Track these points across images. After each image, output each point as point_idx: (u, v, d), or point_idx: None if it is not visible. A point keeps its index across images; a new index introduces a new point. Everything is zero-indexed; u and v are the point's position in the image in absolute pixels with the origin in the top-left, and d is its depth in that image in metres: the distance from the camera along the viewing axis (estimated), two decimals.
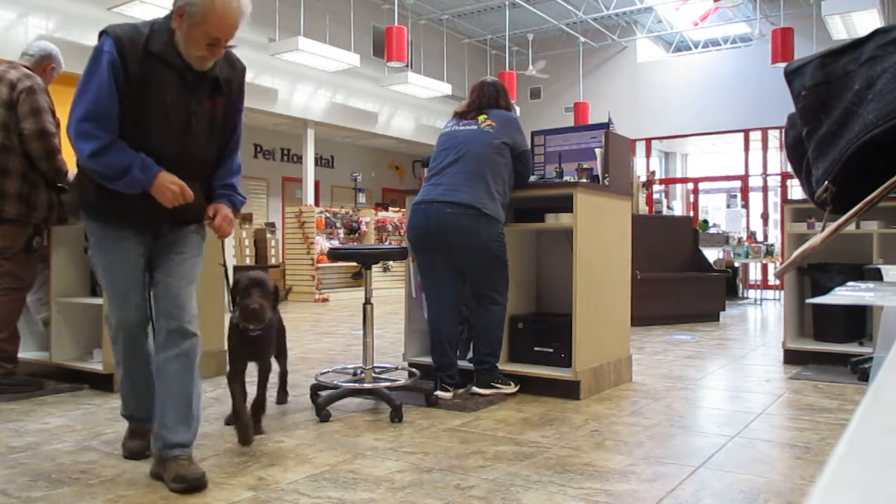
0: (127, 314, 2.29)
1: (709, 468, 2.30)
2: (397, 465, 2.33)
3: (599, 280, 3.54)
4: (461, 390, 3.40)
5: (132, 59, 2.08)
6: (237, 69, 2.36)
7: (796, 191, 11.63)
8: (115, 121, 2.09)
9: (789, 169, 5.01)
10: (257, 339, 2.53)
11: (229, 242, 8.92)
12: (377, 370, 3.40)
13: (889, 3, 10.78)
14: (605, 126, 4.09)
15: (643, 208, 7.83)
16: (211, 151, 2.31)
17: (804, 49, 10.74)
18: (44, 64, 3.59)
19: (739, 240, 10.34)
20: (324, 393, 3.09)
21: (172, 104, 2.15)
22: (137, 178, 2.10)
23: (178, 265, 2.27)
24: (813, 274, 4.46)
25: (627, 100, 14.49)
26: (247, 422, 2.49)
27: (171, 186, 2.13)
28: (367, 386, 3.13)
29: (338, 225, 10.14)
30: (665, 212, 9.60)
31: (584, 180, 3.59)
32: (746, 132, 13.81)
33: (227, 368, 2.58)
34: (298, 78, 11.43)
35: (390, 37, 10.46)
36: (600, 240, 3.55)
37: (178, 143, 2.19)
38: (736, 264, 10.24)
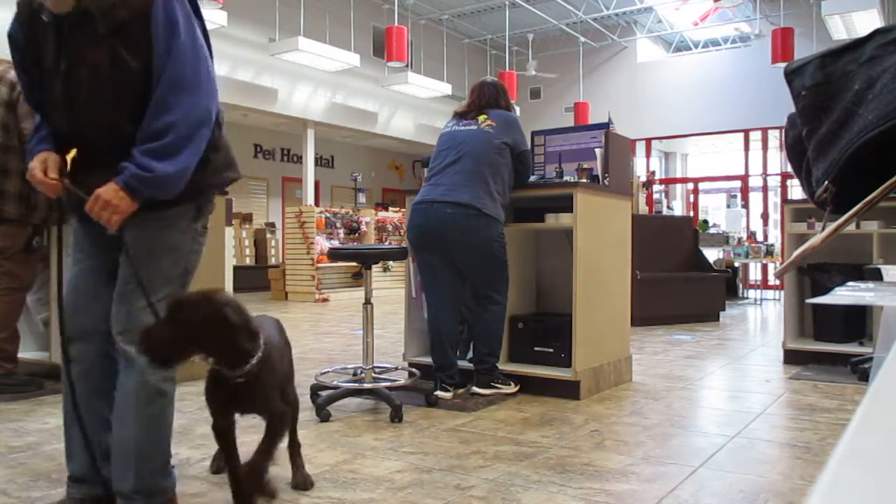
0: (72, 324, 1.85)
1: (709, 468, 2.30)
2: (397, 465, 2.33)
3: (599, 280, 3.54)
4: (461, 390, 3.40)
5: (26, 24, 1.70)
6: None
7: (796, 191, 11.63)
8: (36, 105, 1.78)
9: (789, 169, 5.00)
10: (243, 388, 1.74)
11: (229, 242, 8.90)
12: (377, 370, 3.40)
13: (889, 3, 10.78)
14: (605, 126, 4.09)
15: (643, 208, 7.82)
16: (121, 117, 1.70)
17: (804, 49, 10.73)
18: None
19: (739, 240, 10.35)
20: (324, 393, 3.09)
21: (51, 67, 1.69)
22: (28, 165, 1.72)
23: (121, 269, 1.79)
24: (813, 274, 4.46)
25: (627, 100, 14.49)
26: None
27: (31, 172, 1.71)
28: (367, 386, 3.13)
29: (338, 225, 10.14)
30: (665, 212, 9.59)
31: (584, 180, 3.59)
32: (746, 132, 13.81)
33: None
34: (298, 78, 11.42)
35: (390, 37, 10.47)
36: (600, 240, 3.55)
37: (66, 116, 1.72)
38: (736, 264, 10.24)
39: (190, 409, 3.08)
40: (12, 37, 1.71)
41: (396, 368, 3.76)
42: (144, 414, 1.76)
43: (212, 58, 1.80)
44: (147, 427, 1.77)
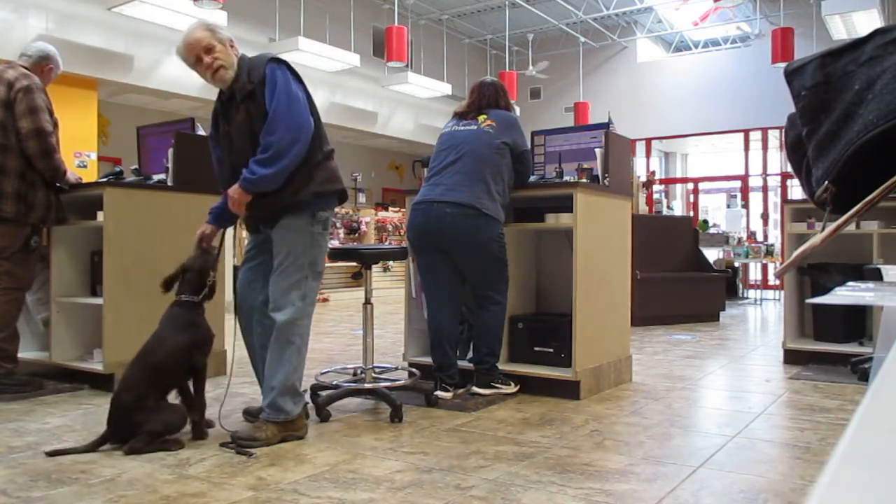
0: (240, 302, 2.86)
1: (709, 468, 2.30)
2: (397, 465, 2.33)
3: (599, 280, 3.54)
4: (461, 390, 3.40)
5: (214, 120, 2.81)
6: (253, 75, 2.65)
7: (796, 191, 11.63)
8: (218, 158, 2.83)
9: (789, 169, 5.00)
10: None
11: (229, 242, 8.90)
12: (377, 370, 3.40)
13: (889, 3, 10.78)
14: (605, 126, 4.09)
15: (643, 208, 7.82)
16: (252, 150, 2.61)
17: (804, 49, 10.73)
18: (42, 64, 3.59)
19: (739, 240, 10.34)
20: (324, 393, 3.09)
21: (222, 132, 2.75)
22: None
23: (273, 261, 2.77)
24: (813, 274, 4.46)
25: (627, 100, 14.48)
26: None
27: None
28: (367, 386, 3.13)
29: (338, 225, 10.13)
30: (665, 212, 9.59)
31: (584, 180, 3.58)
32: (746, 132, 13.80)
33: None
34: None
35: (390, 37, 10.46)
36: (600, 240, 3.55)
37: (229, 157, 2.74)
38: (736, 264, 10.24)
39: None
40: (211, 136, 2.82)
41: (396, 368, 3.76)
42: (278, 354, 2.63)
43: (310, 101, 2.70)
44: (278, 363, 2.62)
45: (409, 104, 13.59)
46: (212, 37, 2.62)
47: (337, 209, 10.47)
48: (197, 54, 2.61)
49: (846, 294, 1.33)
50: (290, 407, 2.61)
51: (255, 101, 2.60)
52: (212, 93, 2.83)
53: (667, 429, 2.83)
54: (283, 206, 2.62)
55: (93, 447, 2.45)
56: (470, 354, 3.63)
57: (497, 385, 3.39)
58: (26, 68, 3.51)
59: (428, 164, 3.57)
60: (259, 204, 2.64)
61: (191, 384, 2.64)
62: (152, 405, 2.48)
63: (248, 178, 2.56)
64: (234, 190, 2.60)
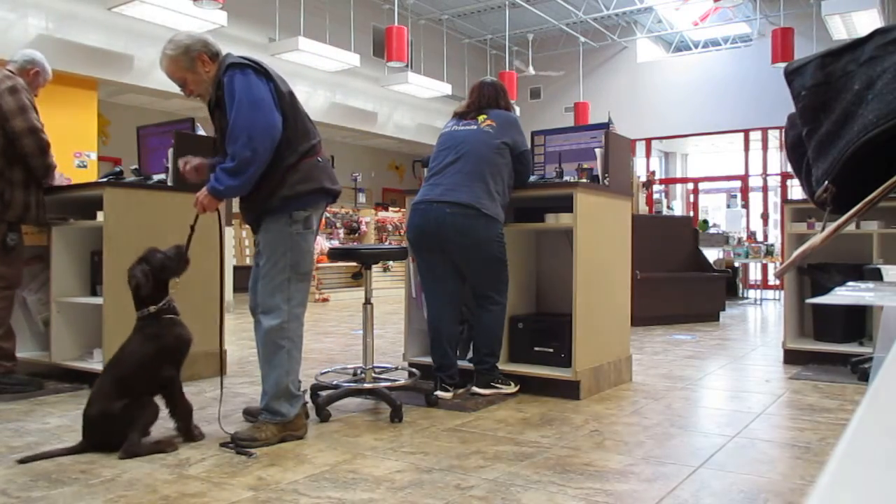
0: (251, 301, 2.77)
1: (709, 468, 2.30)
2: (397, 465, 2.33)
3: (599, 280, 3.54)
4: (461, 390, 3.40)
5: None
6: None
7: (796, 191, 11.62)
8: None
9: (789, 169, 5.00)
10: None
11: (229, 242, 8.92)
12: (377, 370, 3.40)
13: (889, 3, 10.78)
14: (605, 126, 4.09)
15: (643, 208, 7.82)
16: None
17: (804, 49, 10.73)
18: (27, 69, 3.60)
19: (739, 240, 10.34)
20: (324, 393, 3.09)
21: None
22: None
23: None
24: (813, 274, 4.46)
25: (627, 100, 14.48)
26: None
27: None
28: (367, 386, 3.13)
29: (338, 225, 10.13)
30: (665, 212, 9.59)
31: (584, 180, 3.58)
32: (746, 132, 13.80)
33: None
34: (298, 78, 11.40)
35: (390, 37, 10.46)
36: (600, 240, 3.55)
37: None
38: (736, 264, 10.24)
39: None
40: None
41: (396, 368, 3.76)
42: (267, 359, 2.63)
43: (281, 98, 2.60)
44: (268, 367, 2.63)
45: (409, 104, 13.59)
46: (177, 67, 2.64)
47: (336, 209, 10.52)
48: (173, 81, 2.72)
49: (846, 294, 1.33)
50: (285, 409, 2.61)
51: (221, 109, 2.63)
52: None
53: (667, 429, 2.83)
54: (261, 210, 2.64)
55: (66, 452, 2.42)
56: (470, 354, 3.63)
57: (497, 385, 3.40)
58: (11, 72, 3.52)
59: (428, 164, 3.57)
60: (242, 208, 2.72)
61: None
62: (125, 412, 2.44)
63: (216, 188, 2.57)
64: (202, 194, 2.60)
